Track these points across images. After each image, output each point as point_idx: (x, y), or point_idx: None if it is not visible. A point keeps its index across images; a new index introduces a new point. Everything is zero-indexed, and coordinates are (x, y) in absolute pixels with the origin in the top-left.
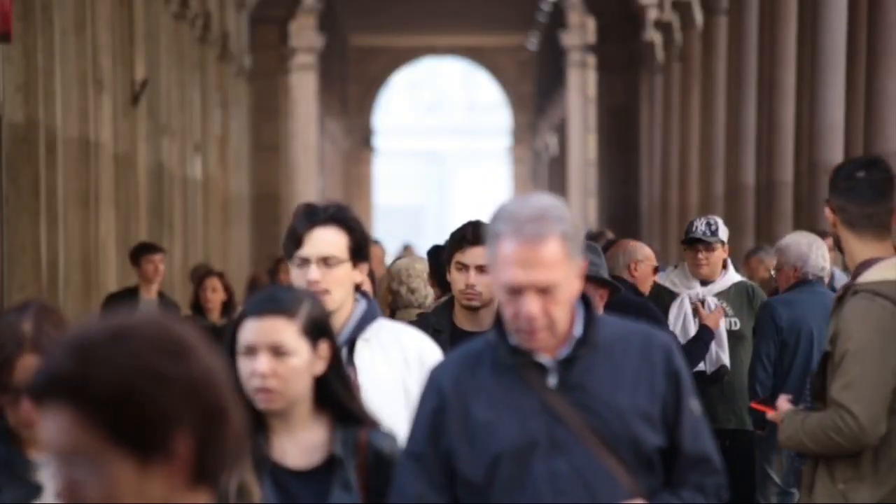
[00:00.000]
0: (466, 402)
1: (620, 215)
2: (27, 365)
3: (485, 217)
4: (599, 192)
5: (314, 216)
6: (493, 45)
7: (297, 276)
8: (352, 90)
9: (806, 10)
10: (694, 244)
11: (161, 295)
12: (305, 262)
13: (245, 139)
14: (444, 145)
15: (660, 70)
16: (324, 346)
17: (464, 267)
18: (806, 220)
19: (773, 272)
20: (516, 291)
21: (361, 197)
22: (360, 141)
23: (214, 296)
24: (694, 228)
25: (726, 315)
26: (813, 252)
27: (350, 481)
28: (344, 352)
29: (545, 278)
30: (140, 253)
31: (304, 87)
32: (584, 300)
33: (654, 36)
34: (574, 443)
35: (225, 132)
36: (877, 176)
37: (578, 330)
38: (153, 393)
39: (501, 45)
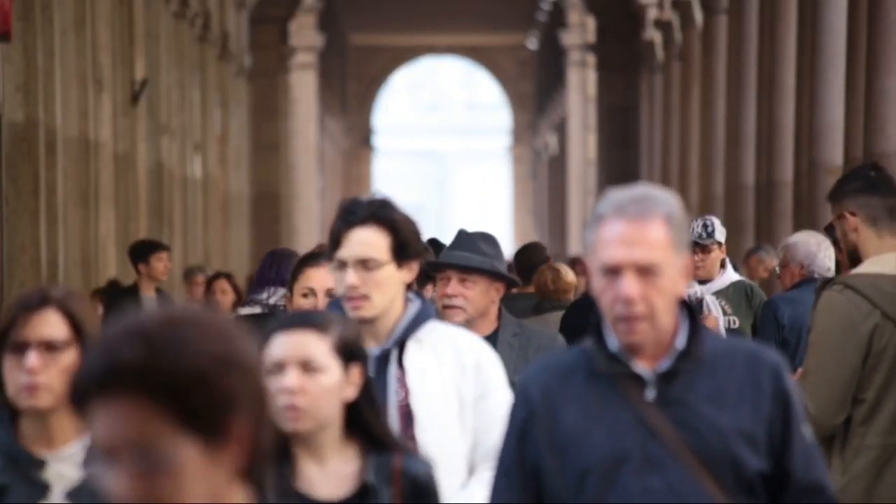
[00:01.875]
0: (556, 412)
1: None
2: (46, 319)
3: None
4: (599, 192)
5: (352, 215)
6: (492, 44)
7: (336, 280)
8: (351, 89)
9: (806, 9)
10: (690, 246)
11: (159, 291)
12: (343, 264)
13: (245, 138)
14: (443, 145)
15: (660, 69)
16: (355, 371)
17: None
18: (806, 220)
19: (777, 268)
20: (614, 271)
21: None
22: (360, 140)
23: (224, 298)
24: (690, 230)
25: (725, 314)
26: (821, 251)
27: None
28: (394, 353)
29: (647, 257)
30: (149, 251)
31: (303, 86)
32: (690, 313)
33: (653, 35)
34: (670, 460)
35: (225, 131)
36: (886, 174)
37: (681, 342)
38: (219, 375)
39: (501, 45)
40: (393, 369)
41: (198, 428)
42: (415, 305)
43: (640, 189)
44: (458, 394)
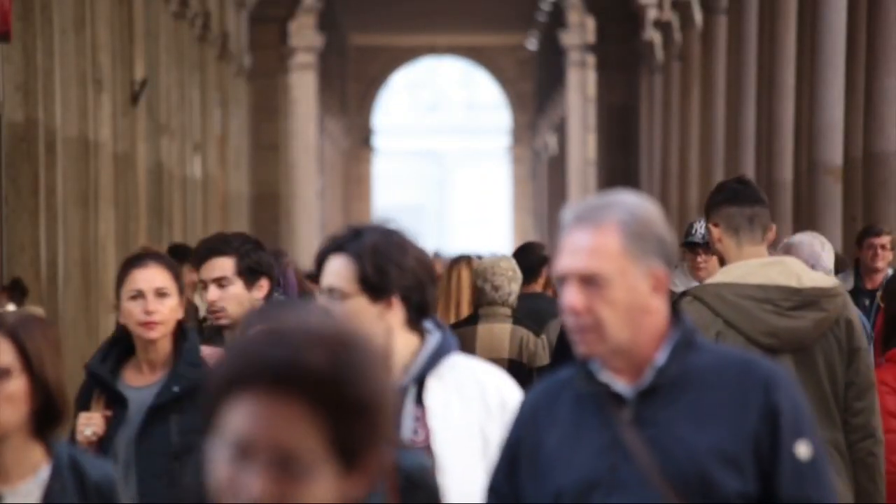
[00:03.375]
0: (540, 434)
1: None
2: None
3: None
4: (599, 192)
5: (330, 243)
6: (492, 44)
7: None
8: (351, 89)
9: (806, 9)
10: (693, 247)
11: None
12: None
13: (244, 138)
14: (443, 145)
15: (659, 69)
16: None
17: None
18: (806, 220)
19: None
20: (562, 281)
21: (361, 197)
22: (360, 140)
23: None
24: (693, 231)
25: None
26: (825, 253)
27: None
28: (412, 391)
29: (588, 266)
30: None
31: (303, 86)
32: (683, 327)
33: (653, 35)
34: (639, 483)
35: (224, 131)
36: (751, 186)
37: (661, 358)
38: (384, 408)
39: (501, 45)
40: (410, 408)
41: (348, 453)
42: (434, 338)
43: (607, 196)
44: (483, 434)
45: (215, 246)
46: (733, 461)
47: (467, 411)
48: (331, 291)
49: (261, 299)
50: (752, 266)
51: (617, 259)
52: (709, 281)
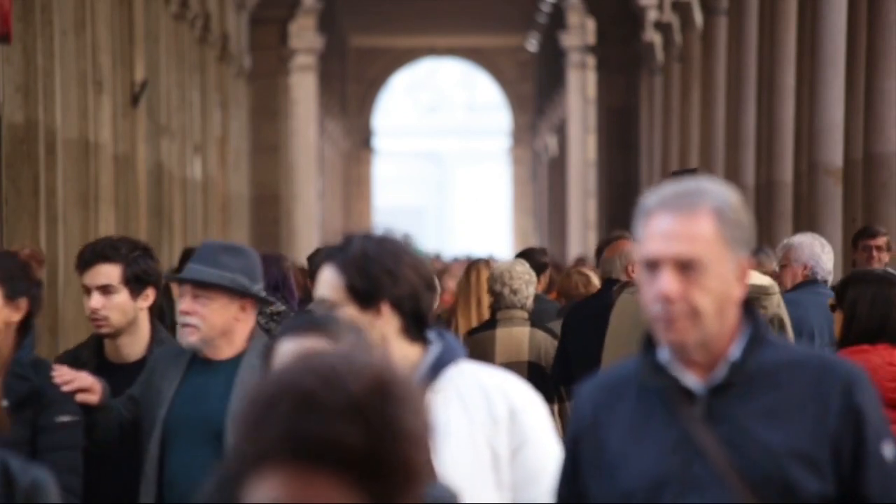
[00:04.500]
0: (603, 432)
1: (620, 216)
2: None
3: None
4: (599, 193)
5: (323, 253)
6: (492, 45)
7: None
8: (351, 91)
9: (806, 10)
10: None
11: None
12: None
13: (245, 140)
14: (443, 146)
15: (659, 71)
16: None
17: (87, 290)
18: (806, 221)
19: (776, 268)
20: (653, 266)
21: (361, 198)
22: (360, 141)
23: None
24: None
25: None
26: (825, 254)
27: None
28: None
29: (688, 251)
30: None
31: (303, 87)
32: (754, 321)
33: (653, 36)
34: (713, 482)
35: (225, 133)
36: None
37: (736, 352)
38: (420, 457)
39: (501, 46)
40: None
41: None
42: (435, 348)
43: (692, 182)
44: (491, 449)
45: (102, 251)
46: (812, 462)
47: (472, 425)
48: (322, 301)
49: (145, 309)
50: None
51: (713, 245)
52: None
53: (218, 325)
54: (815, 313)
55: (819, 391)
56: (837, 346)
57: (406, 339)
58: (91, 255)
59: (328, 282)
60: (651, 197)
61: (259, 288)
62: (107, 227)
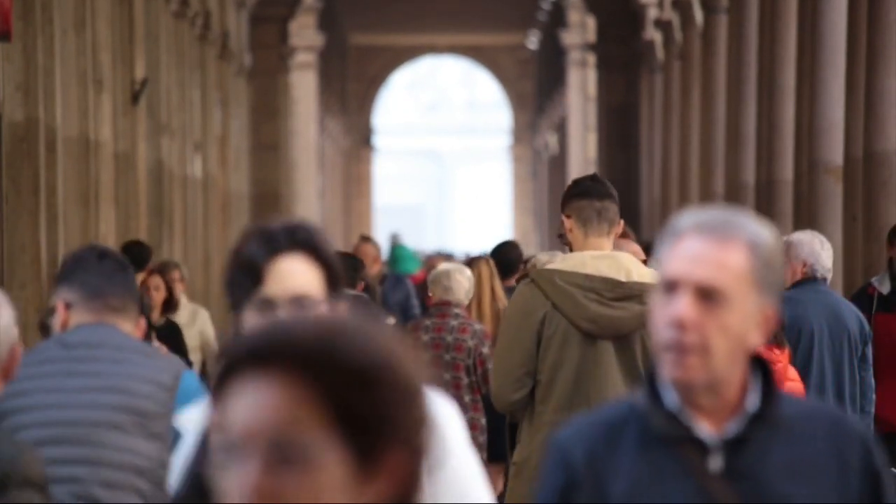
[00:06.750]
0: (603, 483)
1: (620, 214)
2: None
3: None
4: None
5: (275, 242)
6: (493, 43)
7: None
8: (352, 89)
9: (806, 9)
10: None
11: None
12: (269, 304)
13: (245, 138)
14: (443, 144)
15: (660, 69)
16: None
17: None
18: (806, 220)
19: None
20: (672, 288)
21: (361, 196)
22: (360, 140)
23: (157, 294)
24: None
25: None
26: (825, 251)
27: None
28: None
29: (712, 277)
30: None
31: (304, 85)
32: (763, 369)
33: (654, 35)
34: None
35: (225, 131)
36: (602, 183)
37: (753, 403)
38: (388, 384)
39: (501, 44)
40: None
41: (354, 443)
42: None
43: (729, 211)
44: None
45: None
46: None
47: None
48: (298, 301)
49: None
50: (585, 257)
51: (741, 280)
52: (548, 267)
53: None
54: (814, 311)
55: (838, 447)
56: None
57: None
58: None
59: (304, 274)
60: (685, 218)
61: None
62: (107, 225)
